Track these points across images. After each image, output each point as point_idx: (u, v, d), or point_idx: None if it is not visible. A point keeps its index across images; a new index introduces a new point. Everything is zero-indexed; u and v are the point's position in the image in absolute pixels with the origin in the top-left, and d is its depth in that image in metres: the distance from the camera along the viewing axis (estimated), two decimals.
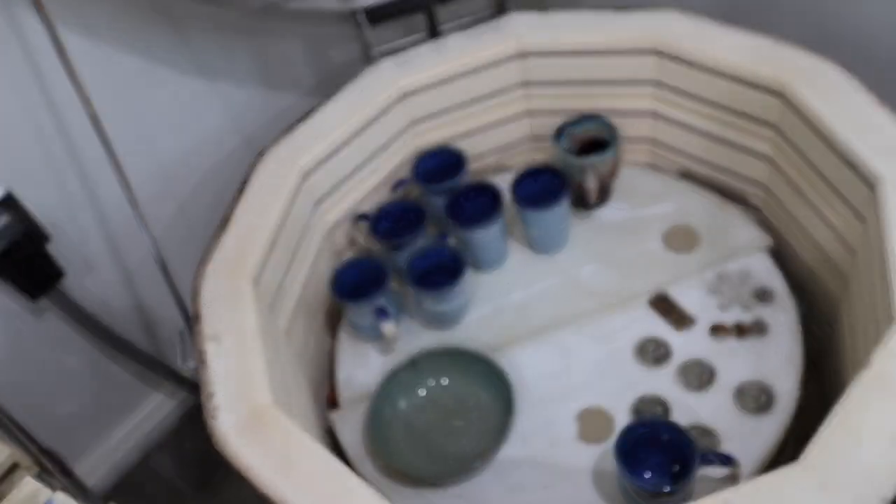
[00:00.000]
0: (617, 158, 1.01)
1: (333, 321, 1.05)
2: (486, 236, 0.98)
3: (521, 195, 0.99)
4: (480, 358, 0.90)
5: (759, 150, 0.97)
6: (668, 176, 1.09)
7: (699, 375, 0.88)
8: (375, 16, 1.05)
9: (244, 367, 0.75)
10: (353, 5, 1.02)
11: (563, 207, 0.98)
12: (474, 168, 1.13)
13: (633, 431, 0.76)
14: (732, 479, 0.77)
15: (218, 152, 1.27)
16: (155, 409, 1.43)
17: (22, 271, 1.04)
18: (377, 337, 0.96)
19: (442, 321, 0.97)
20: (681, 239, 1.01)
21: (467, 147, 1.08)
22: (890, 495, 0.59)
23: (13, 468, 0.68)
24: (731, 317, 0.92)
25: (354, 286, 0.96)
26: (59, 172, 1.07)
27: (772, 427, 0.82)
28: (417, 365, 0.92)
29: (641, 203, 1.06)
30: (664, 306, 0.94)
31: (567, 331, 0.94)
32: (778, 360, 0.87)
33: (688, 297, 0.95)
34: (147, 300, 1.30)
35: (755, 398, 0.85)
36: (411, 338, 0.98)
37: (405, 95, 1.03)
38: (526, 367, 0.92)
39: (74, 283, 1.15)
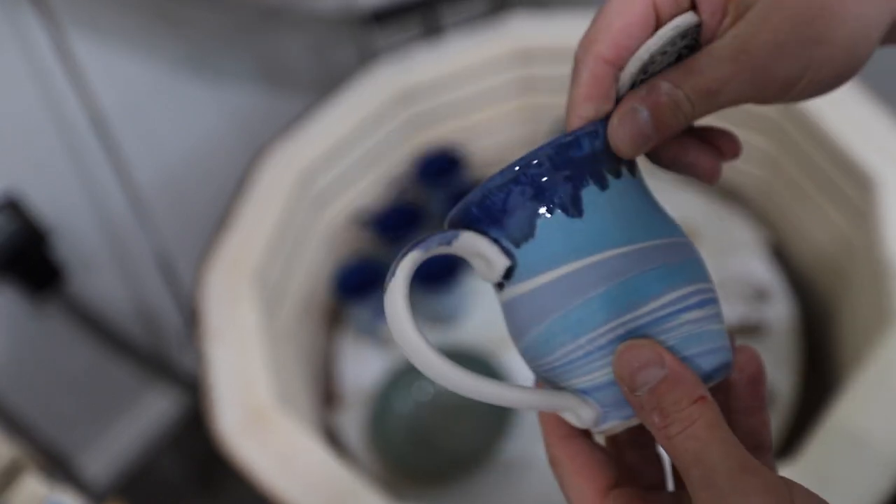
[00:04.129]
0: None
1: (333, 321, 1.05)
2: None
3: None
4: (480, 359, 0.91)
5: (758, 148, 0.97)
6: (667, 174, 1.09)
7: None
8: (378, 17, 1.05)
9: (244, 367, 0.75)
10: (355, 8, 1.02)
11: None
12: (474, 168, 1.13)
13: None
14: None
15: (219, 152, 1.27)
16: (155, 409, 1.43)
17: (23, 271, 1.04)
18: (377, 337, 0.96)
19: (442, 320, 0.97)
20: None
21: (467, 146, 1.08)
22: (888, 493, 0.59)
23: (14, 467, 0.68)
24: (731, 316, 0.92)
25: (355, 286, 0.96)
26: (61, 173, 1.07)
27: (770, 426, 0.82)
28: None
29: None
30: None
31: None
32: (777, 360, 0.87)
33: None
34: (148, 300, 1.30)
35: None
36: None
37: (405, 95, 1.03)
38: (526, 367, 0.92)
39: (76, 283, 1.16)
